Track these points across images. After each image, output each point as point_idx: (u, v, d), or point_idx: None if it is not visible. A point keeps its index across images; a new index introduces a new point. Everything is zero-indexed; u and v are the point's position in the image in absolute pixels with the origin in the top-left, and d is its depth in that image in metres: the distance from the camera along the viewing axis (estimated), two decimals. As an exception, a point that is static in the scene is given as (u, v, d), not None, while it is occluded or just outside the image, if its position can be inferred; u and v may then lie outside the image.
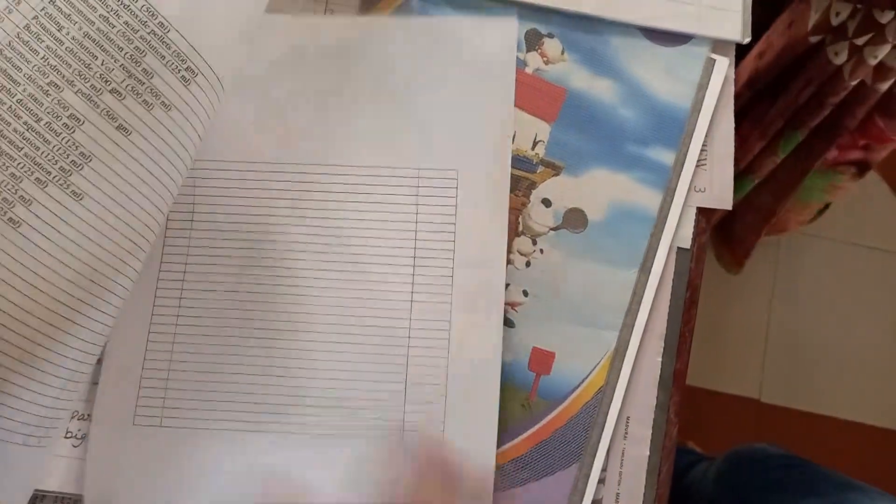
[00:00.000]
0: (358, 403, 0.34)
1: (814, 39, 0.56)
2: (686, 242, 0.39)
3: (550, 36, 0.40)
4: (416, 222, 0.36)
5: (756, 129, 0.66)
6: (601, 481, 0.36)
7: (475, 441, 0.34)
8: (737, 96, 0.67)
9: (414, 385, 0.34)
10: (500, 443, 0.35)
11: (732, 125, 0.41)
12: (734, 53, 0.41)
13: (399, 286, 0.35)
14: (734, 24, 0.41)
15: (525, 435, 0.36)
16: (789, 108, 0.62)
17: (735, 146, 0.71)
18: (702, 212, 0.40)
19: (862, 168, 0.73)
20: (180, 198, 0.36)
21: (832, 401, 1.02)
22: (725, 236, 0.96)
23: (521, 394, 0.36)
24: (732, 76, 0.41)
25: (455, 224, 0.36)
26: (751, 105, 0.66)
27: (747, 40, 0.40)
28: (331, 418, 0.34)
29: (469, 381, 0.35)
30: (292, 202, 0.36)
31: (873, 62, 0.53)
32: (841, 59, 0.55)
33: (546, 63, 0.40)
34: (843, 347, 1.04)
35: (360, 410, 0.34)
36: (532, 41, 0.40)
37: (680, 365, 0.38)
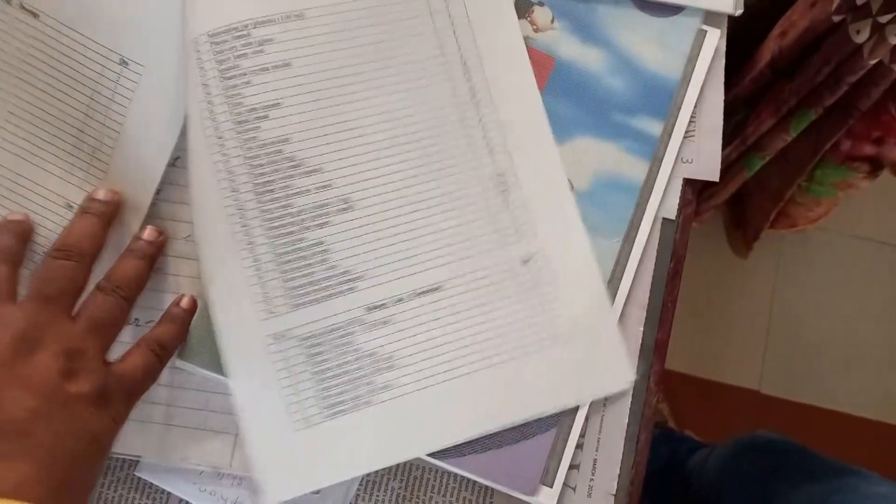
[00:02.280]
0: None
1: (836, 18, 0.56)
2: (672, 213, 0.39)
3: (541, 4, 0.40)
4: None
5: (770, 105, 0.65)
6: (579, 447, 0.36)
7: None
8: (758, 76, 0.67)
9: None
10: (477, 405, 0.35)
11: (721, 97, 0.40)
12: (726, 25, 0.41)
13: None
14: (727, -5, 0.40)
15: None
16: (805, 87, 0.62)
17: (749, 123, 0.71)
18: (688, 183, 0.40)
19: (875, 166, 0.73)
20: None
21: (833, 394, 1.02)
22: (735, 218, 0.95)
23: (500, 358, 0.36)
24: (724, 48, 0.40)
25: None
26: (770, 84, 0.66)
27: (739, 12, 0.40)
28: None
29: None
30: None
31: (894, 41, 0.53)
32: (862, 37, 0.55)
33: (535, 31, 0.40)
34: (844, 341, 1.03)
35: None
36: (522, 9, 0.40)
37: (661, 335, 0.38)
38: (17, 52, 0.36)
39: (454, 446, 0.35)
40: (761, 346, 1.03)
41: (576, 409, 0.36)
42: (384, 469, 0.36)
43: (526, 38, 0.39)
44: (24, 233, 0.34)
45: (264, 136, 0.35)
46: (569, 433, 0.36)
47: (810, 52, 0.61)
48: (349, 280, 0.35)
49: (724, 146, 0.72)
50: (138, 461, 0.35)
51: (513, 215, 0.36)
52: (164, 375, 0.35)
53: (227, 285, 0.34)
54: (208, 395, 0.36)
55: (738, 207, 0.91)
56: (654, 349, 0.38)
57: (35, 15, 0.36)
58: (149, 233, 0.35)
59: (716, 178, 0.40)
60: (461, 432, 0.34)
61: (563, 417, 0.36)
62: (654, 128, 0.39)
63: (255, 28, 0.35)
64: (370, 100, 0.36)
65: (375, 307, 0.35)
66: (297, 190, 0.35)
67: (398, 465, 0.36)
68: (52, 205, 0.36)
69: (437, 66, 0.37)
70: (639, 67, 0.40)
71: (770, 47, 0.62)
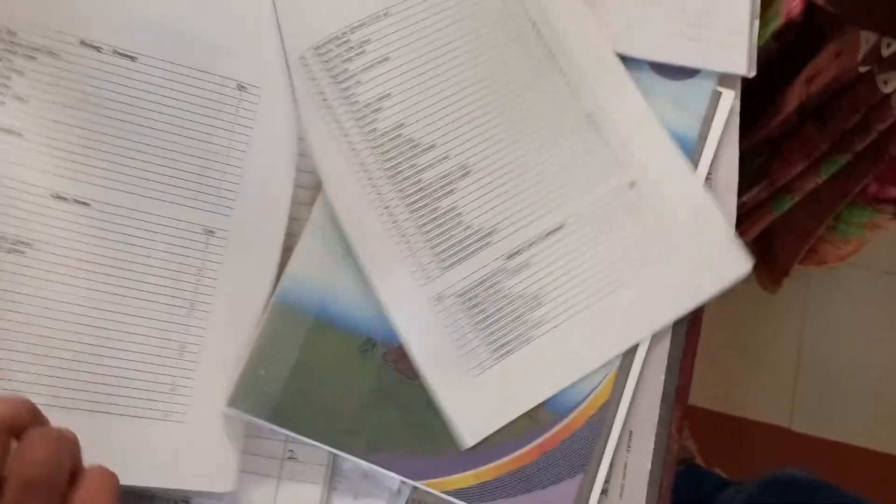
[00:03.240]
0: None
1: (863, 69, 0.58)
2: (691, 265, 0.41)
3: (563, 70, 0.43)
4: None
5: (800, 150, 0.67)
6: (604, 492, 0.38)
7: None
8: (785, 120, 0.68)
9: None
10: (507, 451, 0.37)
11: (737, 154, 0.42)
12: (740, 86, 0.43)
13: None
14: (740, 58, 0.43)
15: (532, 445, 0.38)
16: (836, 133, 0.64)
17: (776, 167, 0.72)
18: (706, 236, 0.41)
19: (901, 208, 0.73)
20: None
21: (863, 431, 1.01)
22: (764, 255, 0.96)
23: (528, 405, 0.38)
24: (738, 107, 0.43)
25: None
26: (797, 128, 0.68)
27: (752, 74, 0.42)
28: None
29: None
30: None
31: (921, 92, 0.55)
32: (890, 87, 0.57)
33: (559, 95, 0.42)
34: (875, 377, 1.02)
35: None
36: (545, 75, 0.42)
37: (683, 382, 0.40)
38: (121, 98, 0.37)
39: (483, 492, 0.37)
40: (791, 382, 1.03)
41: (602, 453, 0.38)
42: (418, 511, 0.38)
43: (549, 102, 0.42)
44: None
45: (383, 126, 0.39)
46: (595, 478, 0.37)
47: (838, 98, 0.62)
48: (484, 236, 0.39)
49: (751, 185, 0.74)
50: (188, 501, 0.38)
51: (609, 148, 0.41)
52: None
53: (387, 267, 0.38)
54: (251, 441, 0.38)
55: (766, 244, 0.92)
56: (676, 396, 0.39)
57: (132, 58, 0.38)
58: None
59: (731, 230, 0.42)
60: (613, 348, 0.39)
61: (589, 463, 0.38)
62: (673, 184, 0.41)
63: (352, 33, 0.40)
64: (461, 73, 0.40)
65: (513, 254, 0.39)
66: (422, 166, 0.39)
67: (432, 507, 0.38)
68: (189, 233, 0.38)
69: (510, 31, 0.41)
70: (657, 127, 0.42)
71: (797, 93, 0.64)
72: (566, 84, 0.41)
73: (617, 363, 0.39)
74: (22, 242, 0.35)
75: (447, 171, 0.39)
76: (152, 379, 0.37)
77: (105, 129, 0.37)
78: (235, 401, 0.37)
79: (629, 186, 0.40)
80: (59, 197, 0.36)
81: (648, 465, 0.38)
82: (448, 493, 0.37)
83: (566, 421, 0.38)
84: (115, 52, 0.37)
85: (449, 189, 0.39)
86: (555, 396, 0.38)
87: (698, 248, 0.40)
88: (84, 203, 0.36)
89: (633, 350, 0.39)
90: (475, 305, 0.38)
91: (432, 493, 0.37)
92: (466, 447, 0.37)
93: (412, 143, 0.39)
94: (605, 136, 0.41)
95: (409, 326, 0.38)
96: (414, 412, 0.38)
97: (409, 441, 0.37)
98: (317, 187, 0.40)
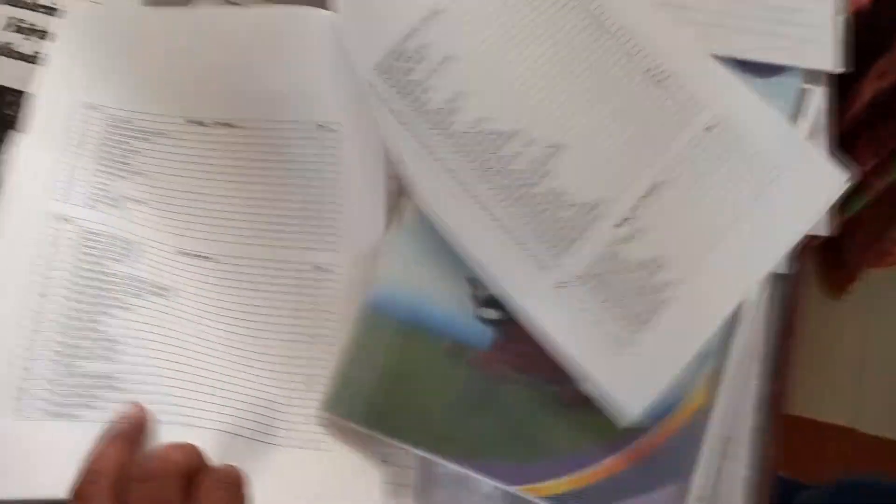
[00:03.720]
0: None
1: None
2: (784, 268, 0.40)
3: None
4: None
5: (870, 148, 0.65)
6: (700, 500, 0.37)
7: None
8: (854, 118, 0.67)
9: None
10: (602, 457, 0.37)
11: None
12: (828, 83, 0.42)
13: None
14: (826, 54, 0.42)
15: (625, 451, 0.37)
16: None
17: (851, 165, 0.70)
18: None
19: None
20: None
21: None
22: (831, 259, 0.94)
23: (621, 411, 0.38)
24: (826, 106, 0.42)
25: None
26: (867, 126, 0.66)
27: (840, 70, 0.41)
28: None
29: None
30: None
31: None
32: None
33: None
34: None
35: None
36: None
37: (779, 387, 0.39)
38: (225, 161, 0.41)
39: (579, 498, 0.37)
40: (856, 383, 1.00)
41: (697, 460, 0.37)
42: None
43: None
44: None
45: (461, 126, 0.39)
46: (690, 486, 0.37)
47: None
48: (589, 210, 0.38)
49: None
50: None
51: (675, 98, 0.40)
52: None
53: (502, 266, 0.38)
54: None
55: (832, 249, 0.90)
56: (773, 401, 0.39)
57: (231, 125, 0.41)
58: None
59: (825, 231, 0.41)
60: (742, 285, 0.38)
61: (685, 470, 0.37)
62: (762, 185, 0.40)
63: (406, 42, 0.39)
64: (526, 51, 0.40)
65: (621, 223, 0.38)
66: (510, 156, 0.39)
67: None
68: (301, 272, 0.40)
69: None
70: (744, 127, 0.41)
71: (869, 89, 0.62)
72: (617, 44, 0.40)
73: (711, 369, 0.38)
74: (163, 288, 0.40)
75: (537, 155, 0.39)
76: (288, 410, 0.38)
77: (214, 191, 0.41)
78: (329, 405, 0.38)
79: (706, 131, 0.39)
80: (184, 253, 0.40)
81: (745, 473, 0.37)
82: (543, 498, 0.37)
83: (661, 426, 0.38)
84: (216, 123, 0.41)
85: (542, 172, 0.39)
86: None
87: (790, 174, 0.39)
88: (206, 257, 0.41)
89: (727, 355, 0.38)
90: (599, 283, 0.38)
91: (527, 499, 0.37)
92: (633, 419, 0.36)
93: (495, 136, 0.39)
94: (668, 88, 0.40)
95: (542, 319, 0.37)
96: (506, 417, 0.38)
97: (503, 446, 0.37)
98: (397, 192, 0.40)
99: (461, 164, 0.39)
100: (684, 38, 0.41)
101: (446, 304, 0.38)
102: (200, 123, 0.41)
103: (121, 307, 0.39)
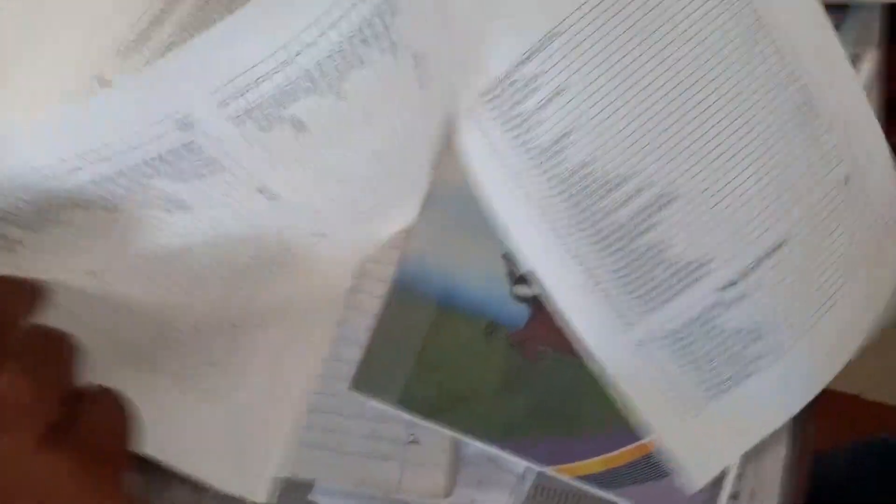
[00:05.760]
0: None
1: None
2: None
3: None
4: None
5: None
6: (738, 476, 0.36)
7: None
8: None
9: None
10: (638, 437, 0.36)
11: (878, 120, 0.40)
12: (880, 50, 0.40)
13: None
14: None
15: (663, 430, 0.37)
16: None
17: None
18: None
19: None
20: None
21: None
22: None
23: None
24: (879, 72, 0.40)
25: None
26: (884, 126, 0.64)
27: None
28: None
29: None
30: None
31: None
32: None
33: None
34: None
35: None
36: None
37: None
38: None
39: (614, 477, 0.36)
40: (860, 349, 1.00)
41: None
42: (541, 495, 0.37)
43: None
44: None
45: (565, 169, 0.34)
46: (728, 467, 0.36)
47: None
48: (694, 269, 0.34)
49: None
50: (312, 485, 0.38)
51: (826, 139, 0.34)
52: (335, 404, 0.37)
53: (583, 314, 0.35)
54: (375, 425, 0.38)
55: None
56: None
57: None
58: None
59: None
60: (841, 360, 0.36)
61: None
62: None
63: (518, 70, 0.33)
64: (653, 83, 0.33)
65: (728, 286, 0.34)
66: (614, 206, 0.34)
67: (557, 492, 0.37)
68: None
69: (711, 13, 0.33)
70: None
71: (883, 90, 0.60)
72: (778, 62, 0.33)
73: (752, 346, 0.37)
74: None
75: (645, 205, 0.34)
76: None
77: None
78: (360, 384, 0.36)
79: (844, 182, 0.34)
80: None
81: (784, 451, 0.37)
82: (578, 478, 0.36)
83: (698, 406, 0.37)
84: None
85: (647, 225, 0.34)
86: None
87: None
88: None
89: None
90: (685, 346, 0.35)
91: (560, 479, 0.36)
92: (697, 489, 0.35)
93: (601, 182, 0.34)
94: (822, 125, 0.34)
95: (616, 373, 0.35)
96: (542, 396, 0.37)
97: (538, 426, 0.36)
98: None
99: (558, 211, 0.35)
100: (842, 66, 0.34)
101: (482, 282, 0.37)
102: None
103: None
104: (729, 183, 0.33)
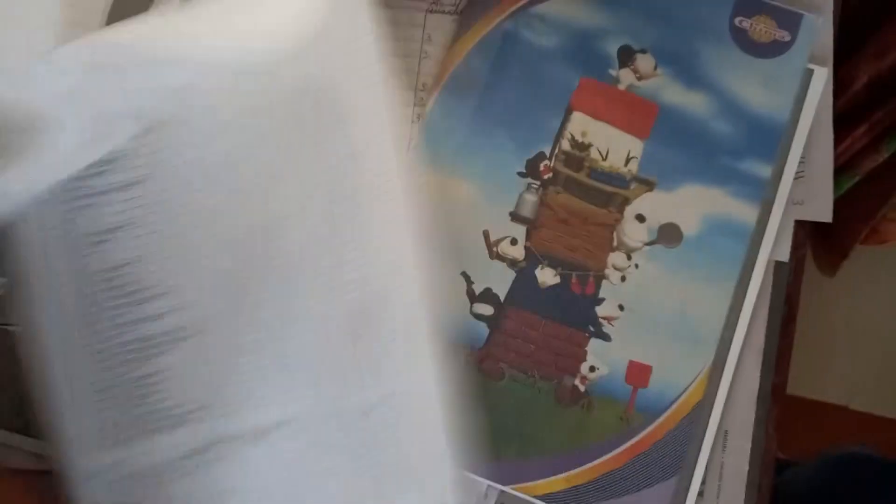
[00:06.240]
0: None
1: None
2: (784, 256, 0.39)
3: (643, 51, 0.40)
4: None
5: (864, 127, 0.65)
6: (700, 494, 0.36)
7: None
8: (853, 98, 0.66)
9: None
10: (600, 454, 0.36)
11: (832, 136, 0.40)
12: (832, 64, 0.40)
13: None
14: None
15: (623, 447, 0.36)
16: None
17: (839, 144, 0.70)
18: (800, 224, 0.39)
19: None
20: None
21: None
22: (823, 237, 0.93)
23: (618, 407, 0.37)
24: (831, 87, 0.40)
25: None
26: (866, 105, 0.65)
27: None
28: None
29: None
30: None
31: None
32: None
33: (639, 79, 0.40)
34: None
35: None
36: (625, 57, 0.40)
37: (779, 379, 0.38)
38: None
39: (576, 496, 0.36)
40: (848, 361, 1.00)
41: (696, 455, 0.36)
42: (506, 514, 0.37)
43: (629, 87, 0.40)
44: None
45: (100, 264, 0.29)
46: (690, 481, 0.36)
47: None
48: (168, 418, 0.29)
49: None
50: None
51: (357, 360, 0.31)
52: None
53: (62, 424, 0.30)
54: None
55: (825, 227, 0.89)
56: (772, 394, 0.38)
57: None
58: None
59: (828, 218, 0.39)
60: None
61: (683, 465, 0.36)
62: (763, 171, 0.39)
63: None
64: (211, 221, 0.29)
65: (189, 454, 0.29)
66: (134, 319, 0.29)
67: (520, 511, 0.37)
68: None
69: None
70: (745, 110, 0.40)
71: (865, 69, 0.61)
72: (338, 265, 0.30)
73: (710, 362, 0.37)
74: None
75: (165, 329, 0.29)
76: None
77: None
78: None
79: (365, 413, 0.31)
80: None
81: (746, 467, 0.37)
82: (539, 497, 0.36)
83: (658, 422, 0.37)
84: None
85: (156, 352, 0.29)
86: (647, 397, 0.37)
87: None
88: None
89: (726, 348, 0.37)
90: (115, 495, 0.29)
91: (522, 498, 0.36)
92: None
93: (133, 289, 0.29)
94: (369, 334, 0.31)
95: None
96: (502, 415, 0.36)
97: (498, 445, 0.36)
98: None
99: (73, 301, 0.29)
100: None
101: (440, 301, 0.37)
102: None
103: None
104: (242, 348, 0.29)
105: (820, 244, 0.96)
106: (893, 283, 1.00)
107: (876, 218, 0.80)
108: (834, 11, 0.41)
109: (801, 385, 0.98)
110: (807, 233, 0.40)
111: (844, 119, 0.69)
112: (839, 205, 0.80)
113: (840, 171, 0.75)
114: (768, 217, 0.39)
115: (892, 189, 0.73)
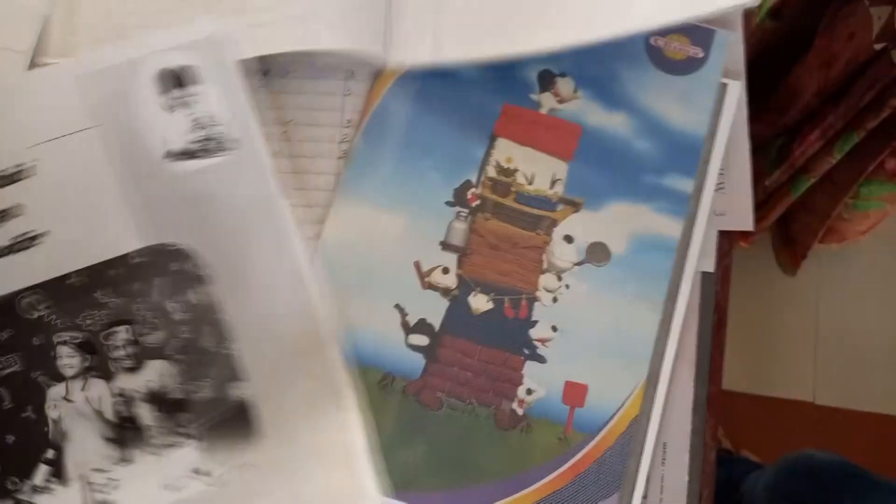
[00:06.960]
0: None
1: (878, 46, 0.58)
2: (710, 266, 0.40)
3: (563, 75, 0.41)
4: None
5: (816, 131, 0.67)
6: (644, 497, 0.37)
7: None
8: (805, 107, 0.68)
9: None
10: (539, 478, 0.36)
11: (748, 147, 0.41)
12: (745, 77, 0.41)
13: None
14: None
15: (563, 468, 0.37)
16: (851, 111, 0.63)
17: (795, 147, 0.72)
18: (723, 234, 0.40)
19: (920, 180, 0.73)
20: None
21: (885, 399, 1.00)
22: (783, 237, 0.96)
23: (556, 428, 0.37)
24: (745, 98, 0.41)
25: None
26: (817, 112, 0.68)
27: (753, 4, 0.39)
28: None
29: None
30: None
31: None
32: None
33: (560, 102, 0.41)
34: (894, 344, 1.02)
35: None
36: (545, 82, 0.41)
37: (713, 388, 0.39)
38: None
39: (520, 518, 0.36)
40: (811, 357, 1.02)
41: (636, 470, 0.37)
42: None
43: (551, 110, 0.41)
44: None
45: None
46: (631, 497, 0.36)
47: (855, 78, 0.62)
48: None
49: (773, 169, 0.73)
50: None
51: None
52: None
53: None
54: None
55: (785, 227, 0.92)
56: (708, 403, 0.38)
57: None
58: None
59: (750, 227, 0.40)
60: None
61: (624, 481, 0.37)
62: (686, 185, 0.40)
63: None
64: None
65: None
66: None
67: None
68: None
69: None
70: (664, 127, 0.41)
71: (815, 78, 0.64)
72: None
73: (644, 377, 0.38)
74: None
75: None
76: None
77: None
78: (257, 449, 0.36)
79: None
80: None
81: (686, 478, 0.37)
82: (483, 524, 0.36)
83: (596, 440, 0.37)
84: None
85: None
86: (584, 416, 0.37)
87: None
88: None
89: (659, 362, 0.38)
90: None
91: (467, 526, 0.36)
92: None
93: None
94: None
95: None
96: (440, 444, 0.37)
97: (438, 474, 0.36)
98: (320, 221, 0.39)
99: None
100: None
101: (375, 335, 0.37)
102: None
103: None
104: None
105: (781, 245, 0.98)
106: (855, 280, 1.02)
107: (832, 217, 0.82)
108: (744, 26, 0.42)
109: (767, 384, 1.00)
110: (731, 242, 0.41)
111: (800, 125, 0.71)
112: (797, 207, 0.82)
113: (797, 174, 0.77)
114: (692, 230, 0.40)
115: (845, 190, 0.76)
